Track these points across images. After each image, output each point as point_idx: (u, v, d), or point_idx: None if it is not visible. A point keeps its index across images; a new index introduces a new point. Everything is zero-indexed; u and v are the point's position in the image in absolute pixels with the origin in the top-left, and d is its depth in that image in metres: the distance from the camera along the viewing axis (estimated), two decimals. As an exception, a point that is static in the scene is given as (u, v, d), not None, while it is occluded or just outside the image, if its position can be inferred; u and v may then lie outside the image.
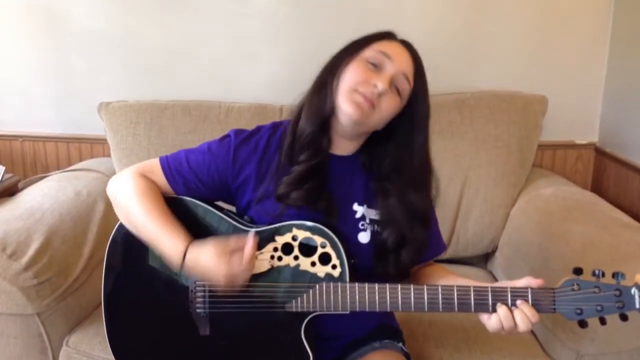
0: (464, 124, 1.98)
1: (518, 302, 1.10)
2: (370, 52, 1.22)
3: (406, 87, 1.22)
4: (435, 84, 2.08)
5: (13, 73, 2.31)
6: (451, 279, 1.28)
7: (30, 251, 1.54)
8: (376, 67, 1.20)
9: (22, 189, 1.92)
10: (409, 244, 1.24)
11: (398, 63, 1.20)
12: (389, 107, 1.20)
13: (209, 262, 1.14)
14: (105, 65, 2.25)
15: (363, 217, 1.27)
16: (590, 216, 1.73)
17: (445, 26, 2.16)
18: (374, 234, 1.27)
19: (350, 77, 1.20)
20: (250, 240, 1.15)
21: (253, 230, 1.19)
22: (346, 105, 1.18)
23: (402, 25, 2.11)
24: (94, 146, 2.32)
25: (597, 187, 2.22)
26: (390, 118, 1.23)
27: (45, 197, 1.78)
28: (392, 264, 1.24)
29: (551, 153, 2.25)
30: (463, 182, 1.96)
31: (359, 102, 1.18)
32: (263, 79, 2.20)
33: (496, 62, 2.19)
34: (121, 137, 2.01)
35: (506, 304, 1.10)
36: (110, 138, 2.05)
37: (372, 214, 1.27)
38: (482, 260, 2.10)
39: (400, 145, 1.26)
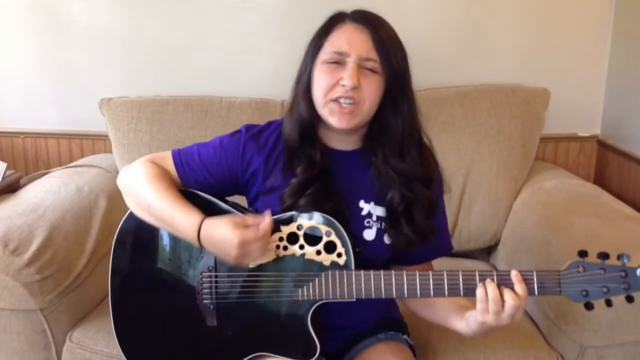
0: (466, 117, 1.97)
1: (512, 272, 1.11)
2: (325, 55, 1.20)
3: (374, 64, 1.18)
4: (437, 77, 2.11)
5: (14, 70, 2.30)
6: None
7: (33, 247, 1.54)
8: (338, 63, 1.18)
9: (24, 185, 1.92)
10: (416, 204, 1.23)
11: (355, 51, 1.17)
12: (371, 91, 1.18)
13: (224, 231, 1.13)
14: (106, 61, 2.25)
15: (369, 215, 1.26)
16: (593, 209, 1.72)
17: (447, 19, 2.16)
18: (379, 232, 1.26)
19: (318, 86, 1.20)
20: (267, 217, 1.16)
21: (269, 210, 1.18)
22: (330, 118, 1.19)
23: (404, 18, 2.12)
24: (96, 142, 2.31)
25: (600, 180, 2.21)
26: (380, 97, 1.20)
27: (47, 194, 1.78)
28: (408, 225, 1.23)
29: (553, 146, 2.24)
30: (465, 176, 1.96)
31: (338, 111, 1.17)
32: (264, 74, 2.19)
33: (498, 55, 2.19)
34: (123, 133, 2.01)
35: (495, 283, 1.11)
36: (111, 134, 2.05)
37: (379, 211, 1.27)
38: (485, 253, 2.10)
39: (389, 114, 1.23)
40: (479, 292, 1.11)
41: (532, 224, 1.80)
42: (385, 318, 1.38)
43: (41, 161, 2.37)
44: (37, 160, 2.37)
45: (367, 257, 1.23)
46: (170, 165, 1.29)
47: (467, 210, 1.98)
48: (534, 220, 1.81)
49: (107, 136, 2.09)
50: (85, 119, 2.28)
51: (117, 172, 2.00)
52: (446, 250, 1.38)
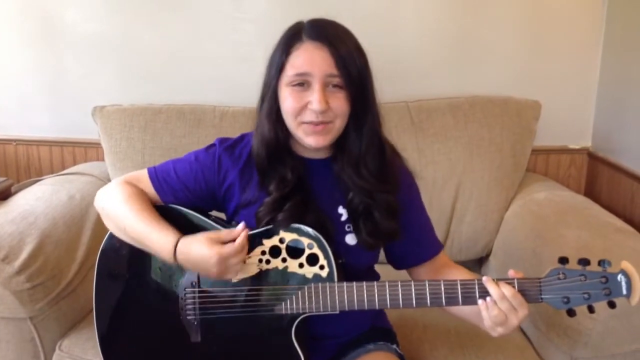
0: (457, 128, 1.98)
1: (500, 283, 1.10)
2: (288, 78, 1.19)
3: (338, 80, 1.17)
4: (429, 88, 2.13)
5: (7, 76, 2.30)
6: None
7: (23, 255, 1.53)
8: (302, 84, 1.18)
9: (16, 192, 1.91)
10: (376, 208, 1.23)
11: (317, 71, 1.16)
12: (341, 108, 1.17)
13: (201, 250, 1.14)
14: (99, 69, 2.25)
15: (348, 220, 1.27)
16: (583, 220, 1.73)
17: (440, 31, 2.17)
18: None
19: (287, 110, 1.19)
20: (242, 230, 1.16)
21: (242, 223, 1.18)
22: (305, 140, 1.20)
23: (397, 30, 2.15)
24: (88, 150, 2.31)
25: (590, 192, 2.22)
26: (349, 110, 1.19)
27: (38, 201, 1.78)
28: (365, 226, 1.23)
29: (544, 158, 2.26)
30: (457, 187, 1.97)
31: (312, 132, 1.18)
32: (258, 83, 2.18)
33: (490, 67, 2.20)
34: (115, 141, 2.01)
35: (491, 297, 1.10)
36: (104, 142, 2.04)
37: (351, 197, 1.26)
38: (476, 264, 2.10)
39: (350, 127, 1.22)
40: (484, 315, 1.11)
41: (523, 236, 1.81)
42: (374, 327, 1.38)
43: (33, 168, 2.36)
44: (29, 167, 2.36)
45: (352, 263, 1.24)
46: (147, 184, 1.28)
47: (459, 221, 1.98)
48: (525, 232, 1.81)
49: (99, 144, 2.09)
50: (78, 126, 2.28)
51: (109, 180, 2.00)
52: (437, 248, 1.37)
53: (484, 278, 1.12)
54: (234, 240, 1.15)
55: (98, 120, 2.05)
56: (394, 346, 1.37)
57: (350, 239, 1.26)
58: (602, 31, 2.16)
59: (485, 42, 2.18)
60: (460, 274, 1.32)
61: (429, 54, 2.19)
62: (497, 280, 1.11)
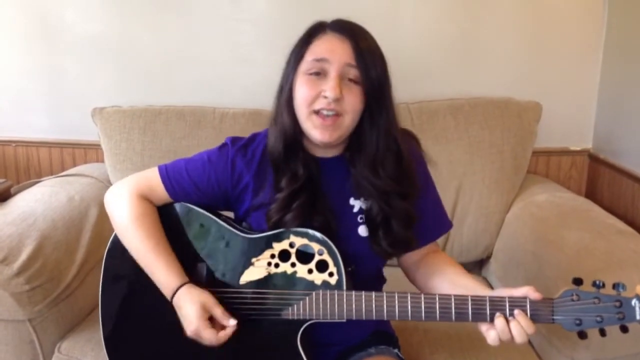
0: (458, 130, 1.98)
1: (515, 312, 1.08)
2: (306, 65, 1.18)
3: (356, 74, 1.17)
4: (430, 90, 2.13)
5: (7, 77, 2.30)
6: (455, 278, 1.24)
7: (23, 256, 1.53)
8: (319, 74, 1.17)
9: (15, 194, 1.91)
10: (394, 217, 1.22)
11: (337, 60, 1.16)
12: (354, 102, 1.17)
13: (189, 313, 1.17)
14: (99, 71, 2.25)
15: (361, 211, 1.26)
16: (584, 222, 1.73)
17: (441, 33, 2.17)
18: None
19: (300, 98, 1.19)
20: (231, 327, 1.17)
21: (235, 322, 1.18)
22: (312, 132, 1.18)
23: (397, 32, 2.15)
24: (88, 152, 2.31)
25: (591, 194, 2.22)
26: (362, 108, 1.19)
27: (37, 203, 1.77)
28: (385, 237, 1.23)
29: (545, 159, 2.25)
30: (457, 188, 1.96)
31: (320, 124, 1.17)
32: (258, 84, 2.19)
33: (491, 69, 2.20)
34: (115, 142, 2.01)
35: (504, 314, 1.08)
36: (104, 143, 2.04)
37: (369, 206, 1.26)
38: (477, 266, 2.10)
39: (366, 128, 1.21)
40: (492, 333, 1.09)
41: (524, 238, 1.80)
42: (376, 332, 1.37)
43: (32, 170, 2.36)
44: (29, 169, 2.36)
45: (362, 256, 1.23)
46: (159, 186, 1.27)
47: (460, 223, 1.98)
48: (525, 234, 1.81)
49: (99, 145, 2.08)
50: (78, 127, 2.27)
51: (109, 182, 2.00)
52: (446, 227, 1.37)
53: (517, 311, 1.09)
54: (223, 327, 1.18)
55: (98, 121, 2.04)
56: (396, 350, 1.36)
57: (363, 231, 1.25)
58: (603, 33, 2.15)
59: (486, 43, 2.18)
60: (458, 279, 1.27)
61: (430, 55, 2.18)
62: (509, 299, 1.09)
